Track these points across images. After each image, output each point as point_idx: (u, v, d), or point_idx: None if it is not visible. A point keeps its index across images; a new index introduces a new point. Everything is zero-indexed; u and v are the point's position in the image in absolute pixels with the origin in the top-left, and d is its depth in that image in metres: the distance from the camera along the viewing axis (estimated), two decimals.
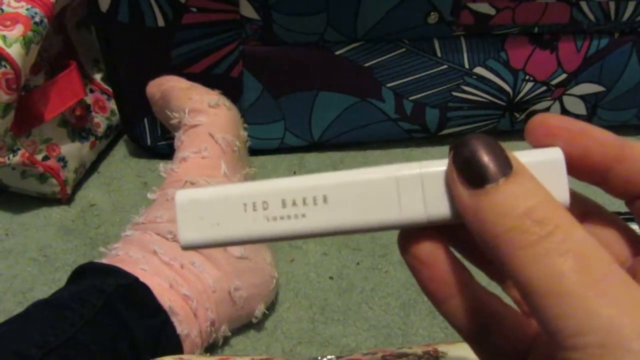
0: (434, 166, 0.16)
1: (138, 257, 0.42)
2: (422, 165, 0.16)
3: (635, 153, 0.16)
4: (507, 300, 0.19)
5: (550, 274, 0.13)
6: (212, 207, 0.17)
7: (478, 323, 0.18)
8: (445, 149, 0.63)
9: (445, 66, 0.59)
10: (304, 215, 0.17)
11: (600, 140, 0.16)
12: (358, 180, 0.17)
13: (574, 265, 0.13)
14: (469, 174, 0.15)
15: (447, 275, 0.17)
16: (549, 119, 0.17)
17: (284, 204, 0.17)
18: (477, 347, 0.18)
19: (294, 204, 0.17)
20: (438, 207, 0.16)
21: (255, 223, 0.17)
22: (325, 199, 0.16)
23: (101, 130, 0.61)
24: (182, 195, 0.17)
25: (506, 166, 0.15)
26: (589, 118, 0.65)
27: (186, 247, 0.17)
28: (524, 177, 0.15)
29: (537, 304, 0.14)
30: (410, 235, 0.17)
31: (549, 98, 0.62)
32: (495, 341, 0.18)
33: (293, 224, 0.17)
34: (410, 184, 0.16)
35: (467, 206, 0.15)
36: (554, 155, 0.16)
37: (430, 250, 0.17)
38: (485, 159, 0.15)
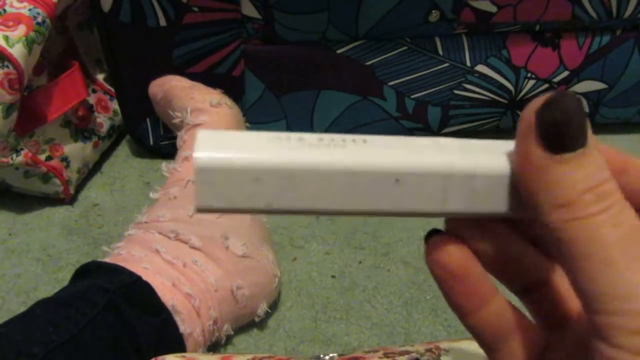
0: (485, 165, 0.16)
1: (141, 256, 0.42)
2: (474, 159, 0.16)
3: (638, 166, 0.16)
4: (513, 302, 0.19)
5: (601, 241, 0.14)
6: (237, 139, 0.15)
7: (502, 334, 0.18)
8: None
9: (446, 64, 0.59)
10: (344, 146, 0.15)
11: (604, 152, 0.16)
12: (416, 169, 0.16)
13: (624, 238, 0.14)
14: (552, 136, 0.15)
15: (477, 286, 0.17)
16: None
17: (320, 139, 0.15)
18: (497, 356, 0.19)
19: (332, 139, 0.15)
20: (483, 205, 0.16)
21: (289, 150, 0.15)
22: (365, 140, 0.16)
23: (104, 130, 0.61)
24: (203, 159, 0.15)
25: (585, 138, 0.15)
26: (591, 116, 0.65)
27: (200, 210, 0.15)
28: (595, 153, 0.15)
29: (578, 268, 0.14)
30: (439, 246, 0.17)
31: None
32: (513, 351, 0.18)
33: (333, 151, 0.15)
34: (460, 181, 0.16)
35: (537, 167, 0.15)
36: None
37: (460, 262, 0.17)
38: (575, 126, 0.14)
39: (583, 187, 0.14)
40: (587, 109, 0.64)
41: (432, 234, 0.18)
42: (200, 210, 0.15)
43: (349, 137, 0.16)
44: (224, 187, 0.15)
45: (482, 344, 0.18)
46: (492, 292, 0.18)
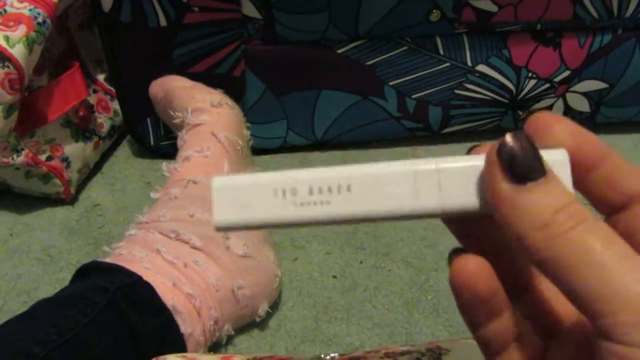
0: (449, 162, 0.18)
1: (141, 256, 0.42)
2: (438, 161, 0.18)
3: (617, 157, 0.18)
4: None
5: (584, 249, 0.15)
6: (245, 192, 0.18)
7: (507, 342, 0.19)
8: (448, 147, 0.62)
9: (447, 64, 0.59)
10: (329, 202, 0.18)
11: (591, 139, 0.18)
12: (379, 172, 0.18)
13: (605, 241, 0.15)
14: (514, 169, 0.16)
15: (497, 303, 0.18)
16: (546, 116, 0.18)
17: (310, 191, 0.18)
18: None
19: (320, 191, 0.18)
20: (452, 200, 0.18)
21: (284, 208, 0.18)
22: (349, 188, 0.18)
23: (104, 130, 0.61)
24: (218, 181, 0.18)
25: (543, 168, 0.16)
26: (592, 115, 0.65)
27: (219, 229, 0.18)
28: (556, 181, 0.16)
29: (571, 278, 0.15)
30: (466, 268, 0.18)
31: (552, 95, 0.62)
32: (513, 358, 0.19)
33: (319, 209, 0.18)
34: (428, 178, 0.18)
35: (506, 199, 0.16)
36: (560, 157, 0.17)
37: (490, 286, 0.18)
38: (532, 158, 0.16)
39: (554, 208, 0.16)
40: (587, 109, 0.64)
41: (456, 253, 0.19)
42: (220, 229, 0.19)
43: (334, 185, 0.18)
44: (240, 203, 0.19)
45: (487, 351, 0.19)
46: (506, 304, 0.18)
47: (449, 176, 0.18)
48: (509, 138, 0.17)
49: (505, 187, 0.16)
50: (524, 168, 0.16)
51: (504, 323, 0.18)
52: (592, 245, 0.15)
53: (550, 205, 0.16)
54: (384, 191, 0.18)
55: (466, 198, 0.18)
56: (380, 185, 0.18)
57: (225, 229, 0.18)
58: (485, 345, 0.19)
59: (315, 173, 0.18)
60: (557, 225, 0.15)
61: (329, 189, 0.18)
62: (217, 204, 0.18)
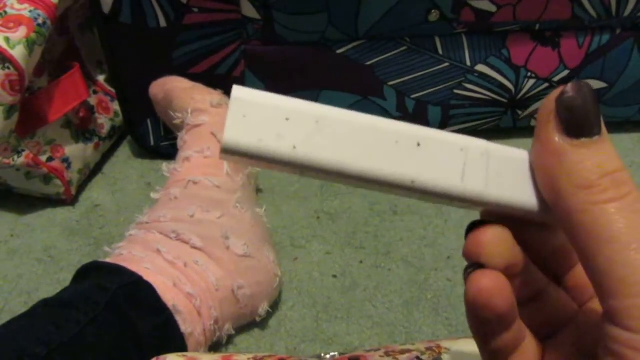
0: (501, 150, 0.17)
1: (142, 256, 0.42)
2: (490, 145, 0.17)
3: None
4: None
5: (621, 226, 0.14)
6: (264, 112, 0.16)
7: (513, 349, 0.18)
8: None
9: (446, 64, 0.59)
10: (363, 153, 0.16)
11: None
12: (432, 136, 0.16)
13: None
14: (571, 121, 0.15)
15: (511, 318, 0.17)
16: None
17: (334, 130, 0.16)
18: None
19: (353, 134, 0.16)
20: (498, 189, 0.16)
21: (301, 143, 0.15)
22: (399, 143, 0.16)
23: (105, 131, 0.61)
24: (240, 91, 0.16)
25: (600, 125, 0.15)
26: None
27: (226, 150, 0.16)
28: (609, 143, 0.15)
29: (596, 251, 0.15)
30: (487, 287, 0.17)
31: None
32: None
33: (349, 154, 0.16)
34: (477, 158, 0.16)
35: (557, 151, 0.15)
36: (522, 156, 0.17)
37: (510, 305, 0.17)
38: (592, 112, 0.15)
39: (601, 171, 0.15)
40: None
41: (472, 267, 0.17)
42: (227, 149, 0.15)
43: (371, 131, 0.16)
44: (255, 122, 0.15)
45: (491, 358, 0.18)
46: (517, 314, 0.18)
47: (498, 164, 0.16)
48: (571, 87, 0.15)
49: (557, 138, 0.15)
50: (582, 122, 0.15)
51: (513, 333, 0.18)
52: (630, 225, 0.14)
53: (598, 166, 0.15)
54: (428, 156, 0.16)
55: (516, 191, 0.16)
56: (426, 150, 0.16)
57: (232, 151, 0.15)
58: (494, 356, 0.18)
59: (350, 116, 0.16)
60: (601, 190, 0.15)
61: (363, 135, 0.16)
62: (231, 119, 0.15)
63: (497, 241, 0.17)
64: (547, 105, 0.16)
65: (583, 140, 0.15)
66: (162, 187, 0.49)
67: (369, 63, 0.58)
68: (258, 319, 0.46)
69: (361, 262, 0.52)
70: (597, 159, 0.15)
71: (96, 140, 0.60)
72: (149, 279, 0.40)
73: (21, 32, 0.47)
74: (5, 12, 0.48)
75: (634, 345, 0.14)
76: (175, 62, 0.57)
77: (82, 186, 0.60)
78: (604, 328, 0.15)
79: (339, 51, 0.57)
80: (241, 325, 0.46)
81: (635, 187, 0.15)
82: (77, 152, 0.57)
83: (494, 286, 0.17)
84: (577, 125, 0.15)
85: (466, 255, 0.17)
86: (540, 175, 0.16)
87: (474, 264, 0.17)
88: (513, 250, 0.18)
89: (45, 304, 0.38)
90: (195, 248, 0.44)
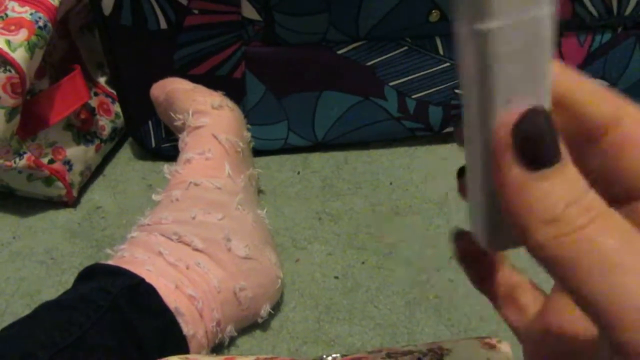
0: None
1: (144, 259, 0.42)
2: None
3: (635, 115, 0.16)
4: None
5: (598, 250, 0.13)
6: None
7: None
8: (449, 147, 0.62)
9: (447, 64, 0.59)
10: None
11: (594, 91, 0.16)
12: None
13: (623, 240, 0.13)
14: (528, 152, 0.14)
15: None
16: None
17: None
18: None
19: None
20: None
21: None
22: None
23: (106, 133, 0.62)
24: None
25: (559, 152, 0.14)
26: None
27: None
28: (571, 167, 0.14)
29: (581, 283, 0.13)
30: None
31: None
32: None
33: None
34: None
35: (515, 187, 0.14)
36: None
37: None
38: (549, 140, 0.14)
39: (566, 201, 0.14)
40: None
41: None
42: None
43: None
44: None
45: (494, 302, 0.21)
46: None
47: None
48: (525, 115, 0.14)
49: (517, 172, 0.14)
50: (540, 152, 0.14)
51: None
52: (608, 245, 0.13)
53: (562, 197, 0.14)
54: None
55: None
56: None
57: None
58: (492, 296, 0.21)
59: None
60: (569, 221, 0.14)
61: None
62: None
63: None
64: (502, 136, 0.15)
65: (543, 172, 0.14)
66: (163, 189, 0.49)
67: (369, 64, 0.58)
68: (260, 321, 0.46)
69: (363, 263, 0.52)
70: (560, 190, 0.14)
71: (97, 142, 0.60)
72: (151, 281, 0.40)
73: (22, 35, 0.48)
74: (6, 15, 0.49)
75: None
76: (176, 64, 0.57)
77: (83, 188, 0.60)
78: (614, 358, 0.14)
79: (339, 52, 0.57)
80: (243, 326, 0.46)
81: (604, 206, 0.14)
82: (79, 154, 0.58)
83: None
84: (534, 156, 0.14)
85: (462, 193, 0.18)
86: (504, 211, 0.15)
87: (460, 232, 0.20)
88: None
89: (47, 306, 0.38)
90: (197, 250, 0.44)
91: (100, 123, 0.61)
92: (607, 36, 0.59)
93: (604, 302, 0.13)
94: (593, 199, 0.14)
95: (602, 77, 0.61)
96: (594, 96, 0.16)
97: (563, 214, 0.14)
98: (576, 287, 0.14)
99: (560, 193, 0.14)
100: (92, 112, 0.60)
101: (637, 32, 0.59)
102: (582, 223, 0.14)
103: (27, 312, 0.38)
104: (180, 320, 0.40)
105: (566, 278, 0.14)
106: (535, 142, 0.14)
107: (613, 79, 0.62)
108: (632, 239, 0.14)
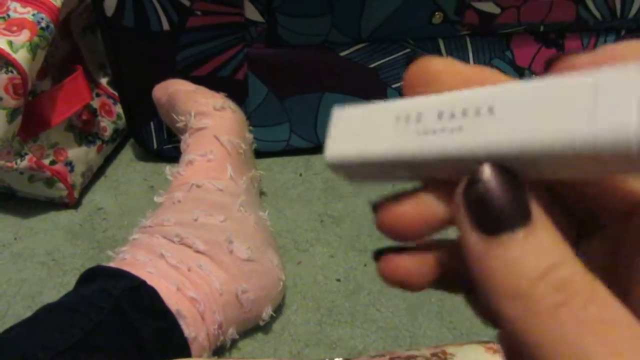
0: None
1: (145, 261, 0.42)
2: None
3: None
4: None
5: (569, 344, 0.11)
6: (363, 121, 0.15)
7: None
8: None
9: None
10: (460, 129, 0.13)
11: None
12: (542, 85, 0.12)
13: (594, 335, 0.11)
14: (480, 215, 0.12)
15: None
16: (430, 64, 0.14)
17: (440, 116, 0.14)
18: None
19: (452, 116, 0.13)
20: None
21: (406, 137, 0.14)
22: (491, 110, 0.13)
23: (108, 134, 0.61)
24: (338, 112, 0.16)
25: (525, 214, 0.12)
26: None
27: (331, 165, 0.16)
28: (543, 230, 0.12)
29: None
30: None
31: None
32: None
33: (447, 138, 0.13)
34: (615, 90, 0.11)
35: (473, 252, 0.12)
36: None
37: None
38: (510, 202, 0.12)
39: (533, 275, 0.12)
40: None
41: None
42: (333, 163, 0.16)
43: (471, 107, 0.13)
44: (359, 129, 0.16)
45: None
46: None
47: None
48: (477, 175, 0.12)
49: (474, 237, 0.12)
50: (498, 216, 0.12)
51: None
52: (581, 341, 0.11)
53: (529, 269, 0.12)
54: (544, 109, 0.12)
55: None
56: (540, 101, 0.12)
57: (338, 164, 0.16)
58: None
59: (448, 96, 0.14)
60: (536, 299, 0.11)
61: (464, 113, 0.13)
62: (332, 136, 0.16)
63: None
64: (455, 199, 0.13)
65: (503, 238, 0.12)
66: (165, 191, 0.49)
67: (372, 66, 0.58)
68: (262, 323, 0.46)
69: (365, 265, 0.52)
70: (525, 260, 0.12)
71: (99, 143, 0.60)
72: (153, 283, 0.40)
73: (24, 36, 0.47)
74: (9, 16, 0.48)
75: None
76: (178, 65, 0.57)
77: (85, 189, 0.60)
78: None
79: (342, 54, 0.57)
80: (245, 329, 0.46)
81: (581, 281, 0.12)
82: (80, 155, 0.57)
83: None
84: (492, 221, 0.12)
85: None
86: (472, 279, 0.13)
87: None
88: None
89: (49, 308, 0.38)
90: (199, 252, 0.43)
91: (102, 124, 0.61)
92: (611, 39, 0.59)
93: None
94: (571, 272, 0.12)
95: None
96: None
97: (529, 290, 0.12)
98: None
99: (525, 264, 0.12)
100: (94, 113, 0.60)
101: None
102: (554, 302, 0.11)
103: (28, 313, 0.38)
104: (181, 322, 0.40)
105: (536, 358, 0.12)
106: (490, 206, 0.12)
107: None
108: (613, 332, 0.11)
